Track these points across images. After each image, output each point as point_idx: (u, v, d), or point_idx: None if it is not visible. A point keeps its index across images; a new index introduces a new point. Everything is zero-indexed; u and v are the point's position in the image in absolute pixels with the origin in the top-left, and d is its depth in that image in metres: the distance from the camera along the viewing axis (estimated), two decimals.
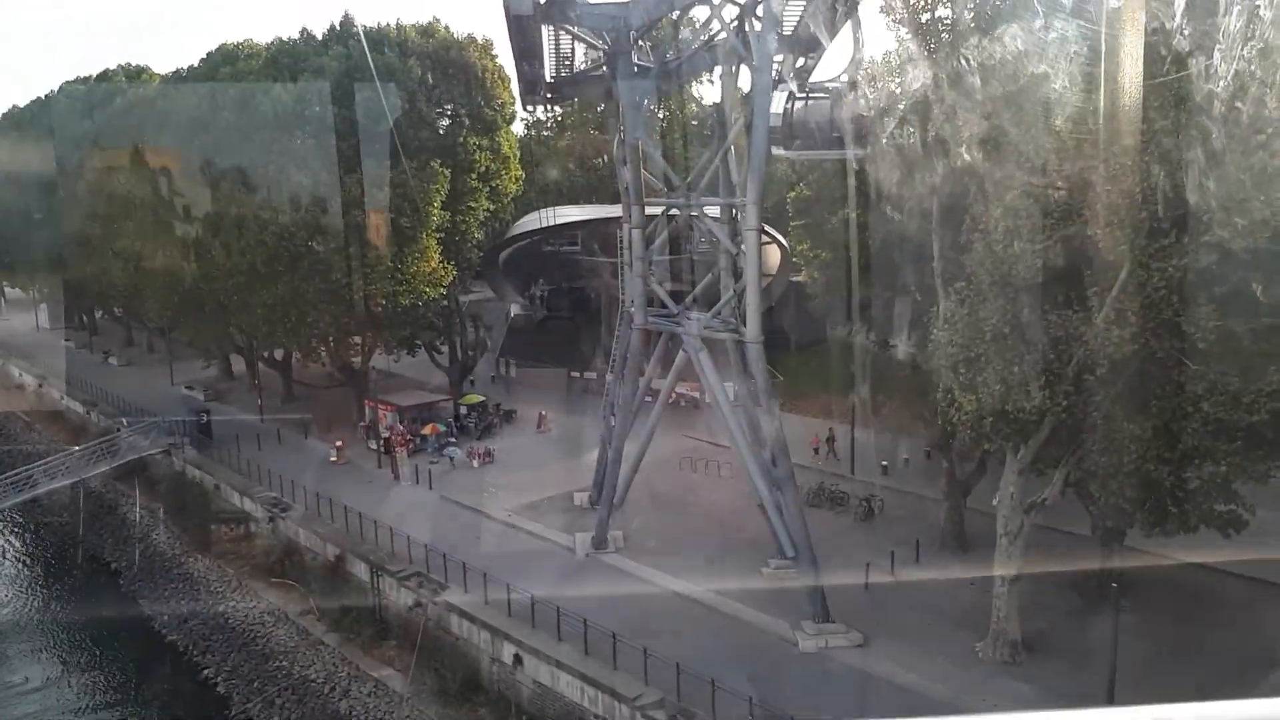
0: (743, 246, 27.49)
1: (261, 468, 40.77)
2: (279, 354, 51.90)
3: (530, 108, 55.59)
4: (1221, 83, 16.37)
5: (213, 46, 50.24)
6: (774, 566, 28.53)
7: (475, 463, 40.94)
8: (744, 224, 26.77)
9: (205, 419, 47.17)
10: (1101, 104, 18.19)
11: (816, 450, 39.19)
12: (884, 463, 36.38)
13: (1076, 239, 18.65)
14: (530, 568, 29.44)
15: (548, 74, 32.53)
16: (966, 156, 20.80)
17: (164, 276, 46.97)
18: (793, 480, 27.05)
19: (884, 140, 22.66)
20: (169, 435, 45.87)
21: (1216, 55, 16.23)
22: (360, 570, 32.60)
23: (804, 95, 23.55)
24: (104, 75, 62.41)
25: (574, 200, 58.67)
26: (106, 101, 55.95)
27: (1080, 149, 18.86)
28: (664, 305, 30.76)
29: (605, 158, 58.03)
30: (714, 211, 31.68)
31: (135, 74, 61.32)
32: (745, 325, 26.99)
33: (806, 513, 28.32)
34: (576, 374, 51.59)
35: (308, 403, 52.20)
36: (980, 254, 19.95)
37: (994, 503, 22.65)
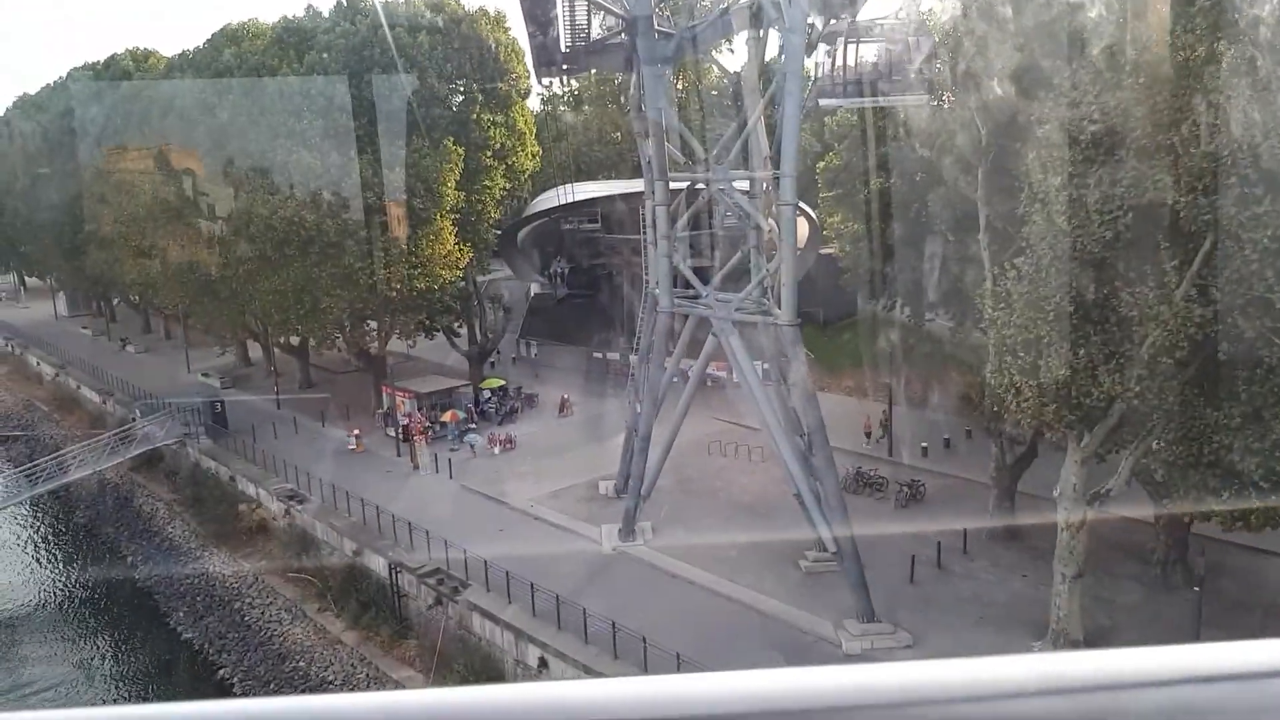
0: (773, 222, 25.77)
1: (277, 457, 39.61)
2: (296, 340, 50.76)
3: (545, 81, 53.78)
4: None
5: (218, 28, 48.83)
6: (812, 559, 27.02)
7: (496, 450, 39.63)
8: (779, 198, 25.01)
9: (220, 407, 46.07)
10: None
11: (869, 434, 37.14)
12: (923, 445, 34.69)
13: (1152, 207, 16.83)
14: (554, 562, 28.07)
15: (563, 44, 30.76)
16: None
17: (176, 263, 45.84)
18: (833, 469, 25.39)
19: (933, 89, 20.93)
20: (184, 424, 44.82)
21: None
22: (379, 565, 31.40)
23: (855, 40, 21.82)
24: (111, 61, 61.12)
25: (593, 176, 56.92)
26: (114, 87, 54.72)
27: (1154, 102, 17.06)
28: (690, 285, 29.14)
29: (622, 132, 56.16)
30: (740, 184, 29.91)
31: (142, 58, 60.02)
32: (779, 306, 25.31)
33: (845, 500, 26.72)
34: (599, 355, 50.12)
35: (325, 388, 51.14)
36: (1041, 226, 18.15)
37: (1055, 494, 20.93)
